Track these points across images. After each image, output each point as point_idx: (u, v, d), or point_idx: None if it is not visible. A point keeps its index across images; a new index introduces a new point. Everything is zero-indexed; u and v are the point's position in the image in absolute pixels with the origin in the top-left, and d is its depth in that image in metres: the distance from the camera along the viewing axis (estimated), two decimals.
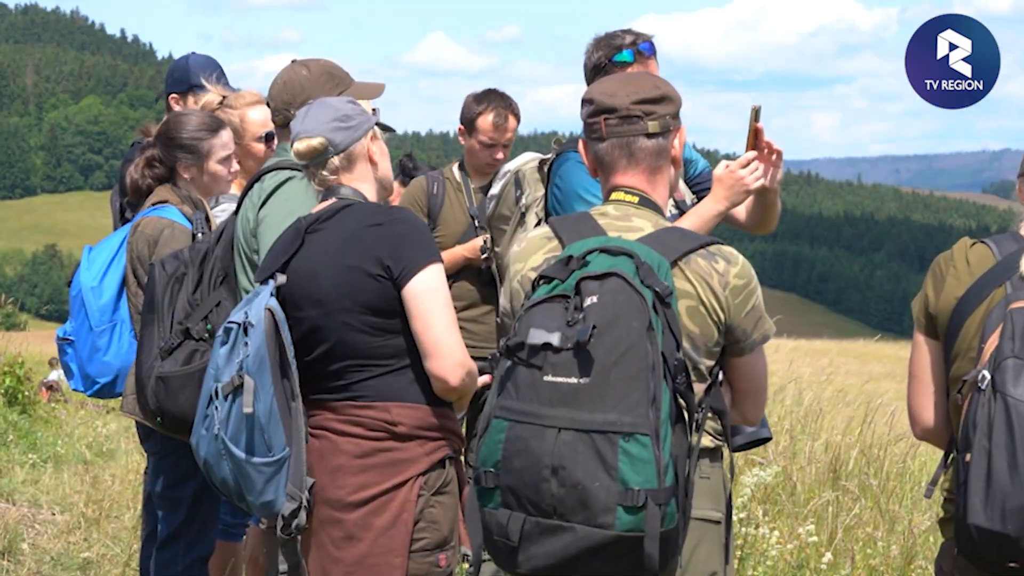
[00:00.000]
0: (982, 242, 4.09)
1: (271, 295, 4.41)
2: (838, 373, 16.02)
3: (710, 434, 4.05)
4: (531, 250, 4.05)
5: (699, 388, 3.90)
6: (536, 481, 3.59)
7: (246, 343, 4.35)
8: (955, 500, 3.83)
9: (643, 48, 5.71)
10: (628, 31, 5.75)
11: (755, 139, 5.31)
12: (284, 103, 5.30)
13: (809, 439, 10.05)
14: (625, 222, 3.96)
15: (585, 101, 4.05)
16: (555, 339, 3.59)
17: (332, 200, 4.59)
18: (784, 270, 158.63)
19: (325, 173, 4.60)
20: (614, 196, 4.03)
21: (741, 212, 5.87)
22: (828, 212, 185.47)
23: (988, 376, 3.73)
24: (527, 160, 6.21)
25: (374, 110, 4.96)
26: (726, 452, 4.17)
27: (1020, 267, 3.91)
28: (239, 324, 4.39)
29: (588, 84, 5.74)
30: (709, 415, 3.98)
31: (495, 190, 6.34)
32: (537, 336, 3.61)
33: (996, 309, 3.85)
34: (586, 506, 3.54)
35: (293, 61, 5.41)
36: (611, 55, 5.68)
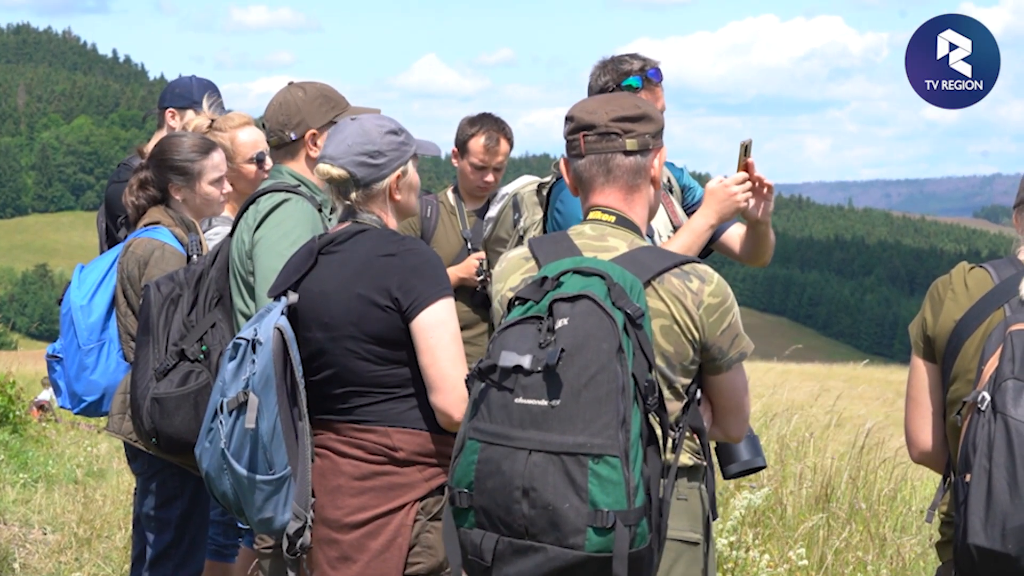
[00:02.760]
0: (980, 266, 4.12)
1: (282, 313, 4.42)
2: (828, 396, 16.03)
3: (689, 452, 4.07)
4: (509, 271, 4.09)
5: (676, 406, 3.95)
6: (508, 502, 3.63)
7: (253, 360, 4.36)
8: (954, 521, 3.85)
9: (651, 75, 5.74)
10: (635, 56, 5.76)
11: (746, 173, 5.36)
12: (279, 124, 5.32)
13: (798, 462, 10.06)
14: (601, 242, 3.99)
15: (567, 119, 4.09)
16: (526, 361, 3.63)
17: (349, 223, 4.56)
18: (775, 294, 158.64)
19: (344, 199, 4.55)
20: (591, 215, 4.06)
21: (736, 243, 5.91)
22: (819, 236, 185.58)
23: (988, 397, 3.76)
24: (525, 183, 6.23)
25: None
26: (715, 477, 4.19)
27: (1020, 290, 3.94)
28: (248, 340, 4.40)
29: None
30: (689, 434, 4.02)
31: (493, 212, 6.36)
32: (508, 359, 3.65)
33: (995, 331, 3.88)
34: (557, 527, 3.58)
35: (290, 83, 5.42)
36: (619, 80, 5.70)
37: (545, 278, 3.77)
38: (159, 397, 5.29)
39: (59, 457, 13.83)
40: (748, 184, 5.35)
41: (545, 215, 5.92)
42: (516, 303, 3.79)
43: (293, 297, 4.48)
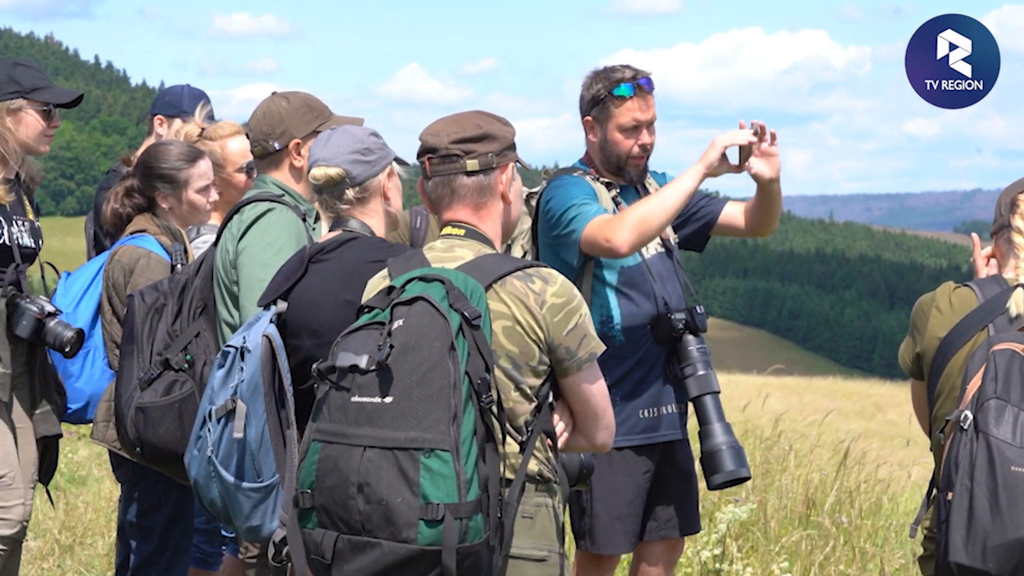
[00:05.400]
0: (965, 285, 4.13)
1: (270, 322, 4.43)
2: (808, 410, 16.06)
3: (542, 461, 4.07)
4: (371, 290, 4.17)
5: (526, 408, 4.02)
6: (344, 499, 3.75)
7: (242, 368, 4.38)
8: (936, 538, 3.86)
9: (642, 83, 5.82)
10: (627, 66, 5.88)
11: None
12: (263, 134, 5.31)
13: (780, 476, 10.07)
14: (448, 253, 4.09)
15: (419, 140, 4.20)
16: (362, 361, 3.75)
17: (338, 231, 4.58)
18: (755, 307, 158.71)
19: (338, 204, 4.57)
20: (443, 231, 4.17)
21: (736, 219, 5.96)
22: (799, 249, 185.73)
23: (971, 416, 3.78)
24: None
25: None
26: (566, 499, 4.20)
27: (1009, 309, 3.96)
28: (236, 348, 4.42)
29: (584, 116, 5.84)
30: (549, 443, 4.07)
31: None
32: (345, 359, 3.77)
33: (979, 350, 3.90)
34: (390, 522, 3.69)
35: (273, 93, 5.42)
36: (611, 88, 5.81)
37: (392, 287, 3.91)
38: (143, 406, 5.27)
39: None
40: (735, 133, 5.59)
41: (534, 223, 5.94)
42: (364, 311, 3.92)
43: (282, 306, 4.49)
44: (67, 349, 5.79)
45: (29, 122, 5.80)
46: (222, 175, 6.39)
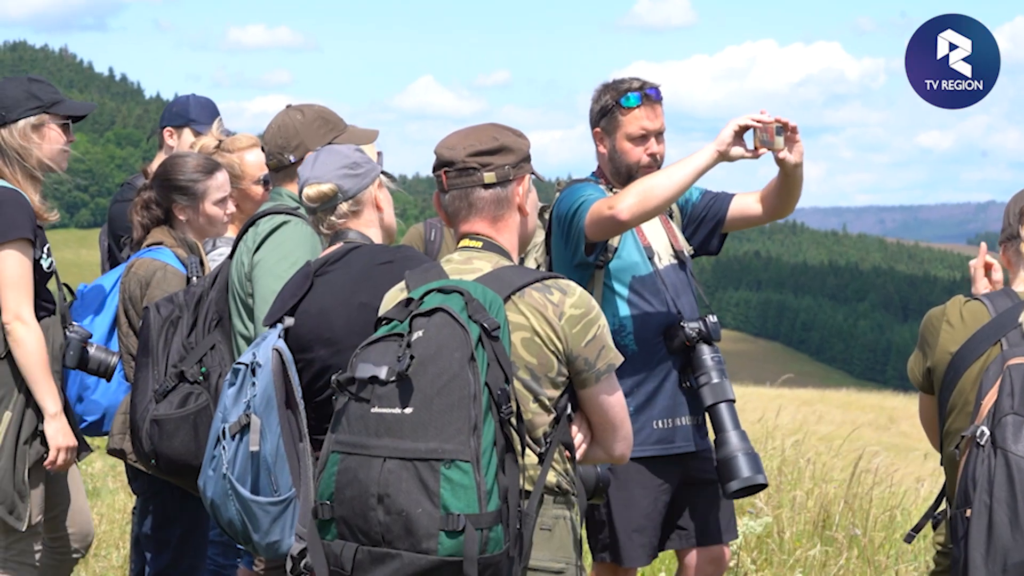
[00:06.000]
0: (977, 298, 4.12)
1: (279, 337, 4.44)
2: (822, 422, 16.03)
3: (560, 472, 4.08)
4: (388, 303, 4.17)
5: (545, 419, 4.01)
6: (364, 510, 3.74)
7: (253, 383, 4.38)
8: (953, 555, 3.84)
9: (650, 92, 5.83)
10: (636, 78, 5.89)
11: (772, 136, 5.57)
12: (278, 147, 5.32)
13: (793, 488, 10.05)
14: (467, 265, 4.09)
15: (435, 153, 4.20)
16: (382, 372, 3.74)
17: (339, 244, 4.61)
18: (768, 319, 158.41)
19: (333, 219, 4.63)
20: (461, 244, 4.17)
21: (755, 207, 5.97)
22: (813, 261, 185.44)
23: (988, 432, 3.76)
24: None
25: (379, 153, 5.00)
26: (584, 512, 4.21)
27: (1022, 324, 3.94)
28: (247, 365, 4.43)
29: (593, 128, 5.86)
30: (567, 455, 4.07)
31: None
32: (364, 370, 3.77)
33: (993, 365, 3.88)
34: (411, 532, 3.68)
35: (288, 106, 5.43)
36: (618, 98, 5.85)
37: (410, 299, 3.90)
38: (158, 419, 5.27)
39: None
40: (747, 118, 5.56)
41: (547, 237, 5.95)
42: (382, 323, 3.91)
43: (289, 321, 4.51)
44: (110, 375, 5.85)
45: (52, 137, 5.80)
46: (239, 187, 6.40)
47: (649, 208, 5.56)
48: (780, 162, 5.73)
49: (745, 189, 6.04)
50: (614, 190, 5.89)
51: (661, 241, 5.96)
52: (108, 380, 5.90)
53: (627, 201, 5.55)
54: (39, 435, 5.66)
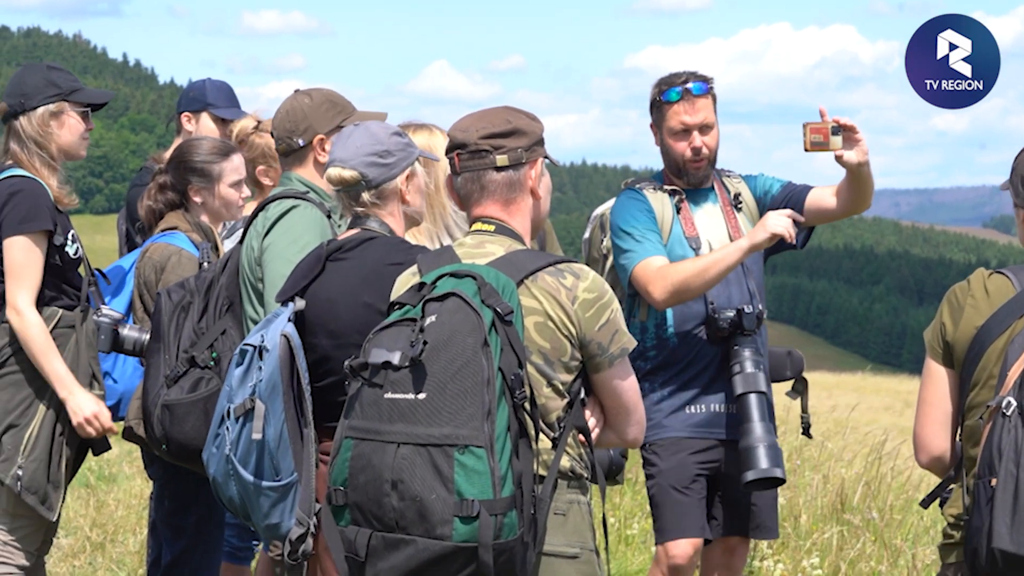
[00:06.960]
0: (1000, 272, 4.12)
1: (288, 320, 4.43)
2: (838, 406, 16.01)
3: (574, 458, 4.05)
4: (399, 287, 4.16)
5: (558, 404, 3.99)
6: (378, 496, 3.73)
7: (260, 367, 4.37)
8: (973, 524, 3.85)
9: (692, 87, 5.85)
10: (687, 72, 5.97)
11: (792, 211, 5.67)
12: (287, 131, 5.32)
13: (811, 472, 10.05)
14: (479, 249, 4.07)
15: (448, 136, 4.19)
16: (395, 358, 3.74)
17: (357, 230, 4.59)
18: (783, 303, 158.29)
19: (354, 205, 4.60)
20: (473, 227, 4.15)
21: (830, 201, 5.97)
22: (828, 245, 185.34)
23: (1014, 403, 3.77)
24: (611, 204, 6.28)
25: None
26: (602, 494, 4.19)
27: None
28: (255, 347, 4.41)
29: (651, 123, 5.91)
30: (581, 439, 4.05)
31: (586, 235, 6.46)
32: (378, 355, 3.77)
33: (1018, 337, 3.89)
34: (425, 518, 3.67)
35: (296, 90, 5.43)
36: (660, 93, 5.95)
37: (423, 284, 3.89)
38: (170, 404, 5.27)
39: None
40: (787, 213, 5.69)
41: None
42: (395, 307, 3.90)
43: (300, 303, 4.50)
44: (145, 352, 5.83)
45: (71, 124, 5.76)
46: (274, 167, 6.41)
47: (683, 300, 5.81)
48: (844, 163, 5.74)
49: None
50: (666, 188, 6.02)
51: (717, 232, 5.98)
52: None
53: (663, 295, 5.78)
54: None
